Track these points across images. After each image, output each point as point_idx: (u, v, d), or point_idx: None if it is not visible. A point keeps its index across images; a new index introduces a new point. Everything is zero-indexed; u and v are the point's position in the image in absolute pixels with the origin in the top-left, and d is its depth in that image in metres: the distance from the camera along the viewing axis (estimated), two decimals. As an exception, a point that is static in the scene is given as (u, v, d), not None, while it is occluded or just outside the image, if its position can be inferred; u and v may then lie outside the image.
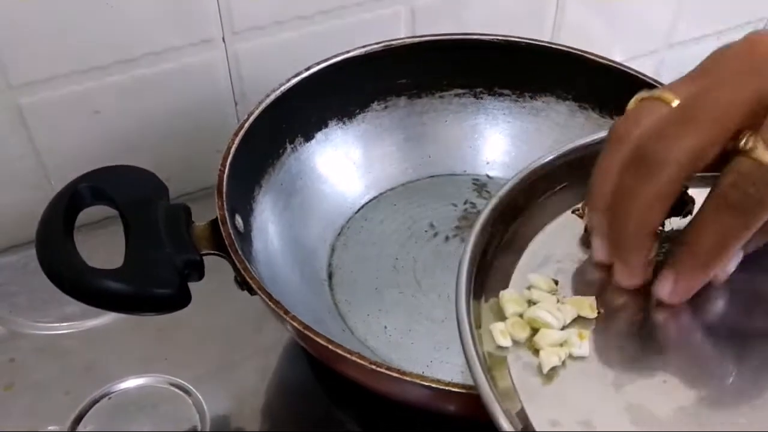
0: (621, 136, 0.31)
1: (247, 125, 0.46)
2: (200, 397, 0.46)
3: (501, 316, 0.33)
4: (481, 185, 0.55)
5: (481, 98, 0.56)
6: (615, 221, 0.32)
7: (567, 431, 0.29)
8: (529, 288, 0.34)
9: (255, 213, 0.46)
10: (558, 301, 0.34)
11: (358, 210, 0.53)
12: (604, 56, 0.53)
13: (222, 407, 0.46)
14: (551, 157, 0.39)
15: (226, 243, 0.39)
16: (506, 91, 0.56)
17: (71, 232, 0.38)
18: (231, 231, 0.40)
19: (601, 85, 0.53)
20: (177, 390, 0.46)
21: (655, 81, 0.49)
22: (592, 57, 0.53)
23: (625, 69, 0.51)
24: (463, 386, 0.32)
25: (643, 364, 0.32)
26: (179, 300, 0.38)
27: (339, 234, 0.52)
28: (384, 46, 0.53)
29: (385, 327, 0.46)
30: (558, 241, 0.38)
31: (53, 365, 0.48)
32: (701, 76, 0.31)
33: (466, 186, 0.55)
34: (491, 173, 0.56)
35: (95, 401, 0.46)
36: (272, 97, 0.48)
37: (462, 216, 0.54)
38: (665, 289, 0.32)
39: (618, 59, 0.53)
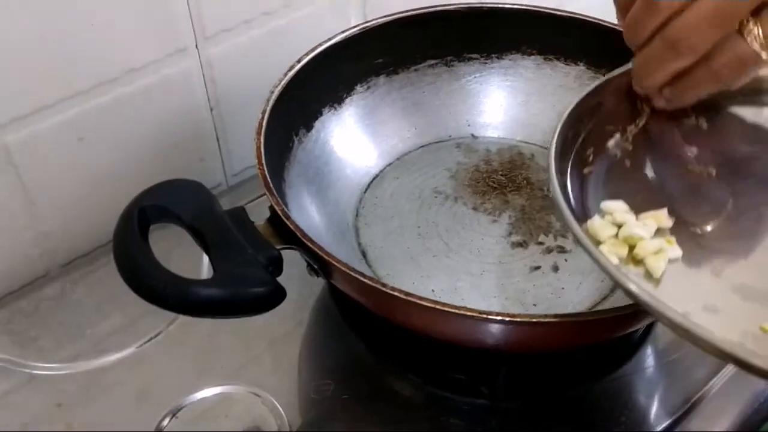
0: None
1: (264, 124, 0.47)
2: (268, 395, 0.47)
3: (595, 242, 0.37)
4: (466, 146, 0.59)
5: (453, 65, 0.59)
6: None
7: (700, 319, 0.32)
8: (610, 214, 0.38)
9: (290, 208, 0.47)
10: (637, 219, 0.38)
11: (366, 189, 0.55)
12: (559, 8, 0.57)
13: (290, 401, 0.46)
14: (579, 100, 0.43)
15: (298, 235, 0.40)
16: (474, 55, 0.59)
17: (150, 249, 0.38)
18: (297, 224, 0.41)
19: (561, 36, 0.57)
20: (244, 394, 0.47)
21: (613, 24, 0.54)
22: (548, 11, 0.57)
23: (581, 17, 0.56)
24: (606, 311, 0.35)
25: (728, 253, 0.37)
26: (276, 296, 0.38)
27: (356, 215, 0.53)
28: (361, 28, 0.55)
29: (432, 290, 0.48)
30: (612, 170, 0.42)
31: (105, 400, 0.47)
32: None
33: (453, 149, 0.58)
34: (475, 133, 0.59)
35: (164, 422, 0.45)
36: (275, 93, 0.49)
37: (452, 176, 0.56)
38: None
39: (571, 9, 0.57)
